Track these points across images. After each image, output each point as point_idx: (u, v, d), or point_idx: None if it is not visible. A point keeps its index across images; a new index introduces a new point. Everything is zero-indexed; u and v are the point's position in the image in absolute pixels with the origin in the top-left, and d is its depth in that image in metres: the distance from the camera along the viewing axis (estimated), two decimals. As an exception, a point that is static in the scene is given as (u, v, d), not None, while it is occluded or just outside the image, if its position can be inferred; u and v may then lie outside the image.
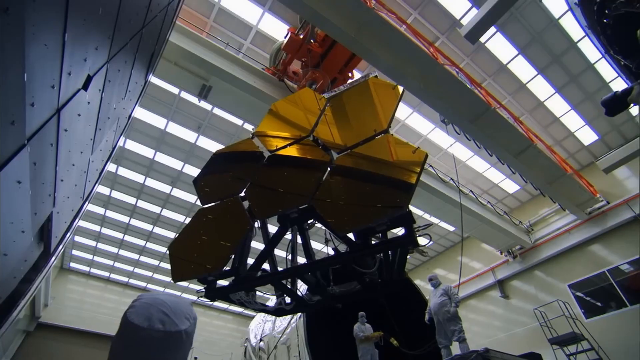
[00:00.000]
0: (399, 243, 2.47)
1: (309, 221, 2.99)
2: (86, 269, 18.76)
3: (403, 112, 11.13)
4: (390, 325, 7.26)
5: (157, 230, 15.65)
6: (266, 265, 2.90)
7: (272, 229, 3.14)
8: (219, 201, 3.19)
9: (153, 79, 7.97)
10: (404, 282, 2.82)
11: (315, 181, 2.84)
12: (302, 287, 3.10)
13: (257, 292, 3.03)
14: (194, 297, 20.79)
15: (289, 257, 3.32)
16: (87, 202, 3.30)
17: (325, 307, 6.64)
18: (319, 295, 2.94)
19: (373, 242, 2.55)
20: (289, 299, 3.02)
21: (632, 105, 3.47)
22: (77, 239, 16.41)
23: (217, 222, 2.99)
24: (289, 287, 2.95)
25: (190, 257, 2.75)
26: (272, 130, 3.88)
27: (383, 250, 2.62)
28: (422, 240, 2.65)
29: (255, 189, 3.11)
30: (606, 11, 3.64)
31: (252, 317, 14.02)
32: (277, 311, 3.04)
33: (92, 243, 16.76)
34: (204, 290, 2.79)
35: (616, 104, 3.49)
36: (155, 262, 17.88)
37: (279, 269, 2.94)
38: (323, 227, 3.03)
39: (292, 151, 3.43)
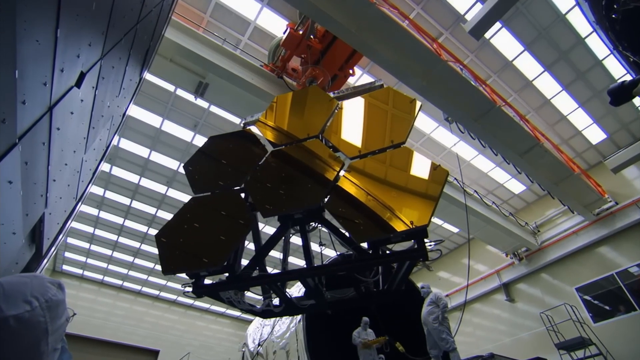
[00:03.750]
0: (409, 256, 2.50)
1: (312, 224, 2.97)
2: (79, 271, 18.77)
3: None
4: (380, 330, 7.23)
5: (153, 231, 15.65)
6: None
7: (262, 226, 3.13)
8: (214, 191, 3.14)
9: (148, 76, 7.98)
10: (401, 293, 2.82)
11: (328, 184, 2.83)
12: (296, 291, 3.09)
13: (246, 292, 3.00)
14: (190, 301, 20.80)
15: (283, 258, 3.30)
16: (80, 203, 3.30)
17: (317, 312, 6.65)
18: (313, 300, 2.92)
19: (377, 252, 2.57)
20: (278, 301, 2.99)
21: (637, 97, 3.49)
22: (70, 240, 16.41)
23: (216, 214, 2.92)
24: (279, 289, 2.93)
25: (185, 249, 2.66)
26: (276, 123, 3.85)
27: (393, 261, 2.65)
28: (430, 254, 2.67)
29: (259, 183, 3.10)
30: (615, 6, 3.64)
31: (250, 322, 14.03)
32: (264, 313, 3.00)
33: (86, 245, 16.76)
34: (190, 285, 2.71)
35: (622, 94, 3.49)
36: (150, 265, 17.88)
37: (268, 269, 2.92)
38: (321, 227, 3.02)
39: (299, 149, 3.41)
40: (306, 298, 2.96)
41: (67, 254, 17.48)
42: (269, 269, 3.04)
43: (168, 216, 14.79)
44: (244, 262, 2.89)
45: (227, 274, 2.72)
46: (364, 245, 2.67)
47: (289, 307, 2.92)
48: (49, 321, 0.99)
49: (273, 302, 2.97)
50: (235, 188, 3.11)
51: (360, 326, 6.88)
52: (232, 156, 3.53)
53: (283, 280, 2.90)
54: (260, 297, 3.07)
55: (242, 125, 4.29)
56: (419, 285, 6.91)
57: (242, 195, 3.08)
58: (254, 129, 4.00)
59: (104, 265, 18.18)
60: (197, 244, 2.70)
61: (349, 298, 2.87)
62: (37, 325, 0.96)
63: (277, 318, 8.53)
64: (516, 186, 14.12)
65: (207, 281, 2.77)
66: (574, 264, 12.50)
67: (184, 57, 7.56)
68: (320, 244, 3.52)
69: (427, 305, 6.46)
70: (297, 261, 15.70)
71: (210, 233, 2.76)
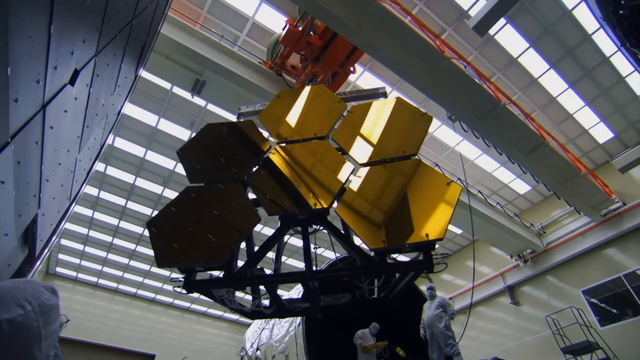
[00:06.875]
0: (415, 267, 2.51)
1: (315, 226, 2.97)
2: (73, 274, 18.77)
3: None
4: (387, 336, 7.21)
5: (148, 233, 15.63)
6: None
7: (260, 227, 3.12)
8: (211, 183, 3.09)
9: (144, 73, 7.97)
10: (398, 302, 2.85)
11: (338, 187, 2.83)
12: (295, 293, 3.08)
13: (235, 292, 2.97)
14: (187, 304, 20.76)
15: (276, 259, 3.28)
16: (74, 204, 3.29)
17: (310, 316, 6.61)
18: (308, 303, 2.92)
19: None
20: (268, 302, 2.98)
21: None
22: (64, 242, 16.41)
23: (215, 209, 2.84)
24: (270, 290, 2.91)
25: (179, 243, 2.60)
26: (280, 118, 3.83)
27: (399, 271, 2.67)
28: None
29: (263, 179, 3.07)
30: (622, 2, 3.64)
31: (248, 325, 14.02)
32: (254, 314, 2.98)
33: (80, 246, 16.76)
34: (181, 280, 2.64)
35: None
36: (146, 267, 17.88)
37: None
38: (322, 230, 3.02)
39: (304, 148, 3.40)
40: (301, 301, 2.95)
41: (61, 256, 17.48)
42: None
43: (164, 217, 14.79)
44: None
45: (216, 271, 2.69)
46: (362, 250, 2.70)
47: (279, 309, 2.91)
48: (42, 326, 0.99)
49: (262, 303, 2.95)
50: (235, 181, 3.08)
51: (366, 328, 6.83)
52: (231, 147, 3.48)
53: (284, 282, 2.91)
54: (244, 296, 3.04)
55: (237, 114, 4.27)
56: (427, 286, 6.90)
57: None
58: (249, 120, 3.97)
59: (99, 267, 18.18)
60: (194, 240, 2.64)
61: (343, 304, 2.88)
62: (30, 330, 0.95)
63: (276, 321, 8.53)
64: (521, 186, 14.12)
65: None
66: (581, 266, 12.49)
67: (180, 54, 7.56)
68: (315, 246, 3.52)
69: (435, 309, 6.46)
70: (294, 263, 15.71)
71: (210, 229, 2.70)
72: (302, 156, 3.29)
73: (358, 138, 3.39)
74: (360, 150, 3.22)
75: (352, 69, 8.44)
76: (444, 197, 2.56)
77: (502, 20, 8.90)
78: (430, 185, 2.73)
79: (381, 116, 3.51)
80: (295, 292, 8.58)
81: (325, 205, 2.71)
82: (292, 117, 3.81)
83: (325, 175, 3.02)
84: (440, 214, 2.47)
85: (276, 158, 3.27)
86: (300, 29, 7.65)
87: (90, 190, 13.43)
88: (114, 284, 19.58)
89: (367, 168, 3.04)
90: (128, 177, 13.11)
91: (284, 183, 2.99)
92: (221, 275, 2.63)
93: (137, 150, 12.03)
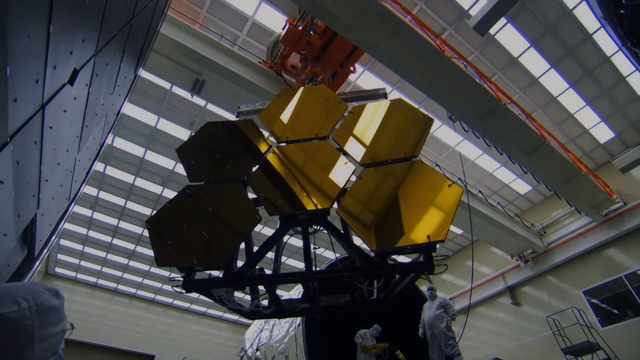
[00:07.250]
0: (416, 268, 2.51)
1: (315, 227, 2.97)
2: (72, 274, 18.77)
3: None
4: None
5: (148, 233, 15.62)
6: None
7: (259, 227, 3.11)
8: (211, 182, 3.08)
9: (143, 73, 7.97)
10: (398, 303, 2.85)
11: (338, 187, 2.83)
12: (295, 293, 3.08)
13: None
14: (187, 304, 20.76)
15: (276, 259, 3.28)
16: (73, 204, 3.29)
17: (310, 317, 6.60)
18: (307, 304, 2.92)
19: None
20: (267, 302, 2.98)
21: None
22: (63, 242, 16.41)
23: (214, 208, 2.82)
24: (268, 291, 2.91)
25: (178, 243, 2.59)
26: (281, 118, 3.83)
27: (399, 272, 2.67)
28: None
29: (263, 179, 3.06)
30: (623, 1, 3.65)
31: (247, 326, 14.03)
32: (253, 314, 2.96)
33: (79, 247, 16.76)
34: (181, 279, 2.63)
35: None
36: (145, 267, 17.88)
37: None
38: (322, 230, 3.02)
39: (305, 148, 3.40)
40: (301, 301, 2.95)
41: (60, 256, 17.48)
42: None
43: (164, 217, 14.79)
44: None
45: (216, 271, 2.69)
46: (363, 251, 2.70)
47: (279, 310, 2.90)
48: (37, 326, 0.96)
49: (261, 303, 2.95)
50: (235, 181, 3.08)
51: (368, 329, 6.82)
52: (230, 147, 3.47)
53: (284, 282, 2.91)
54: (244, 296, 3.04)
55: (236, 113, 4.28)
56: (427, 287, 6.90)
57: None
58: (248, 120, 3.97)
59: (98, 267, 18.18)
60: (195, 237, 2.63)
61: (342, 304, 2.87)
62: (22, 328, 0.93)
63: (276, 322, 8.53)
64: (522, 186, 14.12)
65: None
66: (581, 266, 12.49)
67: (180, 53, 7.56)
68: (315, 246, 3.52)
69: (436, 309, 6.47)
70: (294, 263, 15.70)
71: (210, 226, 2.69)
72: (302, 156, 3.29)
73: (359, 139, 3.39)
74: (361, 151, 3.22)
75: (352, 68, 8.44)
76: (445, 199, 2.55)
77: (503, 20, 8.90)
78: (431, 187, 2.73)
79: (382, 117, 3.50)
80: (295, 292, 8.57)
81: (325, 206, 2.70)
82: (293, 117, 3.80)
83: (326, 176, 3.02)
84: (441, 215, 2.47)
85: (276, 158, 3.27)
86: (300, 28, 7.64)
87: (89, 190, 13.43)
88: (113, 285, 19.58)
89: (367, 169, 3.04)
90: (127, 177, 13.11)
91: (284, 183, 2.99)
92: (220, 275, 2.62)
93: (137, 150, 12.03)
